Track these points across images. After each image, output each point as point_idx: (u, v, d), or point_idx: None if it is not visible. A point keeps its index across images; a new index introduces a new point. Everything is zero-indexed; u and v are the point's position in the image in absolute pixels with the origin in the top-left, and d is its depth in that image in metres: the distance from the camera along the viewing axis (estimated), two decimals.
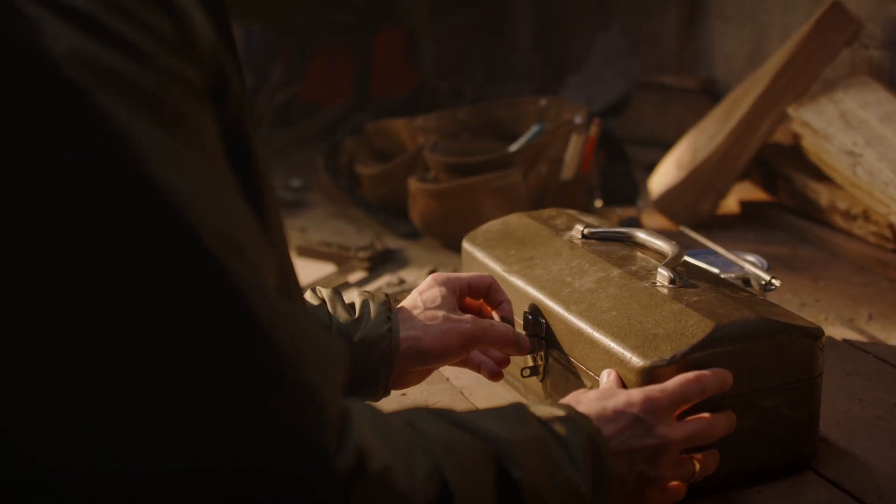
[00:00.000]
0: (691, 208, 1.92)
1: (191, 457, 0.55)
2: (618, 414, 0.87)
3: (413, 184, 1.82)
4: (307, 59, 2.99)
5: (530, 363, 1.19)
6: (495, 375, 1.12)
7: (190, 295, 0.55)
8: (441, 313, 1.05)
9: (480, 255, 1.28)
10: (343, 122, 2.68)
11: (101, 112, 0.52)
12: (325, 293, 1.07)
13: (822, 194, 1.81)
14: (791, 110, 1.82)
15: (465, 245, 1.33)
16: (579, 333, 1.05)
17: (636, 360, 0.96)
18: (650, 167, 2.15)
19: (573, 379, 1.10)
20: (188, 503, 0.56)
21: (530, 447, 0.75)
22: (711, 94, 2.51)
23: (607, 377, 0.98)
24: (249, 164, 0.64)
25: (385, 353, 1.01)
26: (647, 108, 2.63)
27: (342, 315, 1.03)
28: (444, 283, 1.08)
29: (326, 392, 0.60)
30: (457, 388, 1.32)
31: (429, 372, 1.10)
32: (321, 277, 1.72)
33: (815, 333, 1.01)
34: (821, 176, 1.82)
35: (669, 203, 1.94)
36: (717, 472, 0.95)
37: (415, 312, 1.05)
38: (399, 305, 1.07)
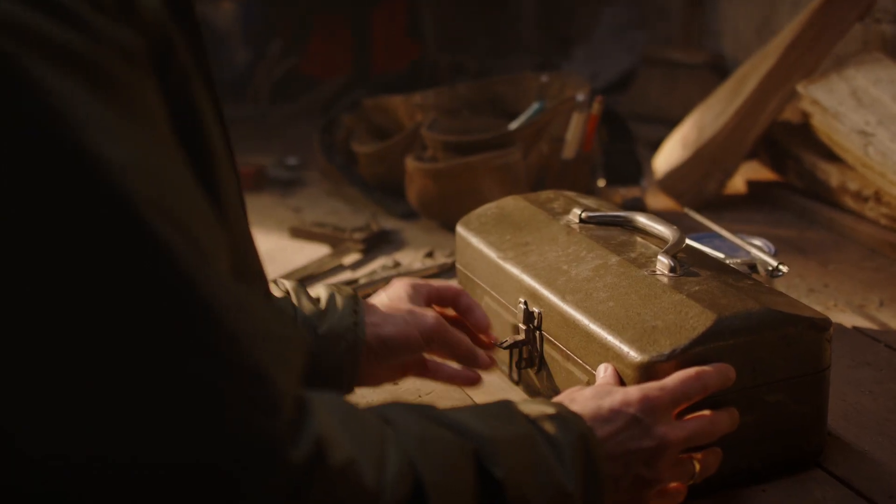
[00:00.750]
0: (697, 188, 1.87)
1: (128, 445, 0.52)
2: (613, 414, 0.83)
3: (410, 163, 1.78)
4: (306, 32, 2.94)
5: (525, 355, 1.16)
6: (473, 382, 1.10)
7: (122, 268, 0.52)
8: (405, 306, 1.05)
9: (474, 241, 1.24)
10: (342, 97, 2.63)
11: (29, 77, 0.50)
12: (288, 285, 1.05)
13: (833, 175, 1.77)
14: (801, 87, 1.78)
15: (459, 229, 1.29)
16: (575, 325, 1.01)
17: (634, 355, 0.92)
18: (655, 145, 2.10)
19: (569, 372, 1.06)
20: (128, 494, 0.52)
21: (515, 445, 0.73)
22: (719, 70, 2.46)
23: (604, 372, 0.95)
24: (200, 137, 0.61)
25: (351, 345, 0.99)
26: (653, 84, 2.58)
27: (307, 306, 1.01)
28: (411, 287, 1.08)
29: (279, 379, 0.57)
30: None
31: (397, 370, 1.07)
32: (315, 259, 1.68)
33: (823, 325, 0.97)
34: (831, 156, 1.78)
35: (674, 183, 1.90)
36: (718, 470, 0.91)
37: (380, 306, 1.04)
38: (364, 301, 1.05)
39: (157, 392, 0.53)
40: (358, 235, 1.72)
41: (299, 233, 1.79)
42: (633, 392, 0.85)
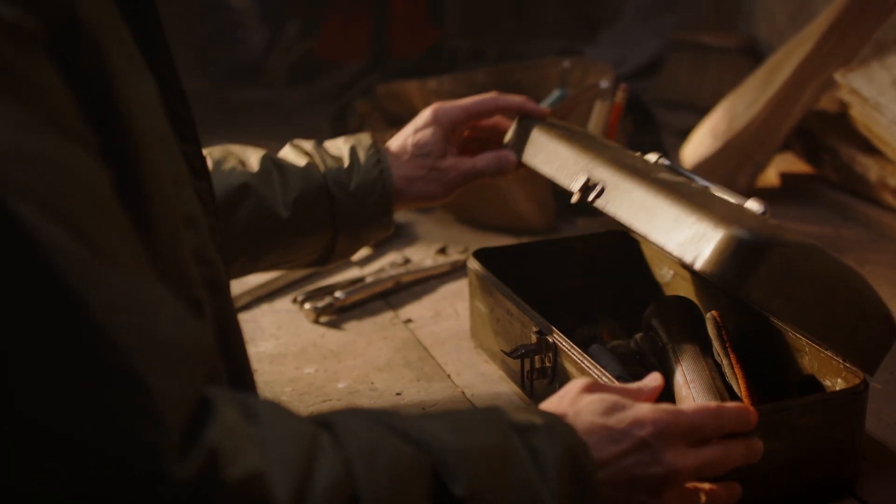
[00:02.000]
0: (727, 181, 1.78)
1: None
2: (621, 434, 0.76)
3: None
4: (323, 13, 2.86)
5: (538, 365, 1.08)
6: (502, 172, 1.19)
7: None
8: (428, 162, 1.13)
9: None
10: (358, 82, 2.56)
11: None
12: (307, 147, 1.12)
13: (871, 169, 1.70)
14: (838, 76, 1.69)
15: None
16: (653, 203, 0.96)
17: (725, 229, 0.86)
18: (683, 133, 2.02)
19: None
20: None
21: (485, 458, 0.68)
22: (752, 54, 2.36)
23: (654, 382, 0.86)
24: (117, 122, 0.58)
25: (381, 195, 1.10)
26: (682, 69, 2.48)
27: (332, 166, 1.10)
28: (439, 121, 1.14)
29: (164, 387, 0.54)
30: (458, 387, 1.20)
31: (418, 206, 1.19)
32: None
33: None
34: (870, 148, 1.71)
35: (703, 175, 1.80)
36: (742, 501, 0.85)
37: (402, 158, 1.13)
38: (386, 144, 1.14)
39: (29, 395, 0.49)
40: None
41: None
42: (647, 412, 0.78)
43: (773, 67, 1.83)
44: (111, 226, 0.55)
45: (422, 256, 1.56)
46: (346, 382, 1.23)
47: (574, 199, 1.06)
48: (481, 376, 1.22)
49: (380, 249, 1.62)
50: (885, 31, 1.82)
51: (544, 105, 1.67)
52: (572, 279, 1.34)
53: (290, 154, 1.14)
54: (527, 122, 1.20)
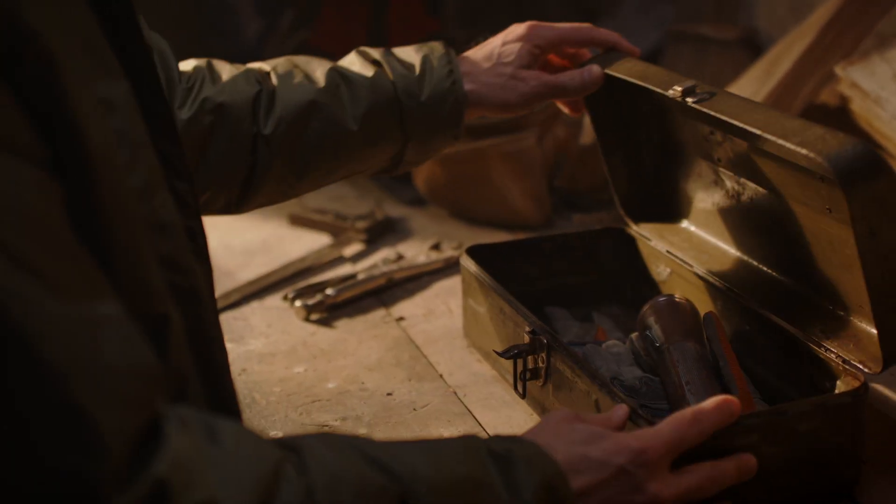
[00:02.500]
0: None
1: None
2: (600, 464, 0.75)
3: None
4: (318, 3, 2.83)
5: (531, 366, 1.06)
6: (575, 112, 1.20)
7: None
8: (509, 70, 1.11)
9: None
10: None
11: None
12: (375, 54, 1.10)
13: None
14: (839, 69, 1.65)
15: None
16: (769, 113, 0.95)
17: (851, 138, 0.87)
18: None
19: (576, 386, 0.96)
20: None
21: (457, 489, 0.67)
22: (752, 47, 2.32)
23: (618, 413, 0.85)
24: (69, 135, 0.56)
25: (453, 104, 1.08)
26: (682, 62, 2.44)
27: (403, 74, 1.08)
28: (531, 38, 1.13)
29: (105, 417, 0.52)
30: (450, 387, 1.18)
31: (493, 115, 1.18)
32: (314, 250, 1.57)
33: None
34: (871, 144, 1.64)
35: None
36: None
37: (484, 66, 1.11)
38: (465, 54, 1.13)
39: None
40: (360, 224, 1.61)
41: (299, 220, 1.69)
42: (626, 440, 0.77)
43: (773, 60, 1.80)
44: (54, 246, 0.53)
45: (415, 252, 1.53)
46: (336, 382, 1.20)
47: (673, 94, 1.03)
48: (474, 376, 1.20)
49: (373, 245, 1.60)
50: (887, 24, 1.79)
51: None
52: (568, 276, 1.32)
53: (355, 63, 1.11)
54: (615, 53, 1.17)
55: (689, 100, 1.01)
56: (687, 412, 0.81)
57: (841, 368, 0.96)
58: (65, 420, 0.51)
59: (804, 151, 0.88)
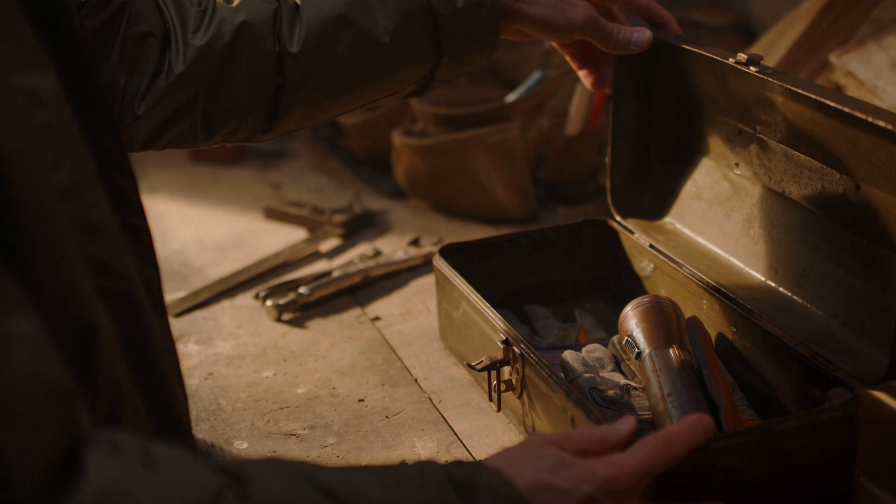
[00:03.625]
0: None
1: None
2: (566, 493, 0.70)
3: (397, 138, 1.61)
4: None
5: (505, 377, 1.01)
6: (597, 86, 1.16)
7: None
8: None
9: None
10: None
11: None
12: None
13: None
14: (833, 57, 1.59)
15: None
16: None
17: None
18: None
19: (553, 397, 0.92)
20: None
21: None
22: (745, 33, 2.27)
23: (624, 426, 0.81)
24: None
25: (490, 12, 1.02)
26: None
27: None
28: None
29: (13, 442, 0.48)
30: (425, 392, 1.13)
31: (528, 37, 1.10)
32: (289, 246, 1.51)
33: None
34: None
35: None
36: None
37: None
38: None
39: None
40: (338, 218, 1.56)
41: (274, 214, 1.63)
42: (593, 467, 0.73)
43: (765, 47, 1.74)
44: None
45: (393, 248, 1.48)
46: (307, 387, 1.15)
47: (735, 60, 1.00)
48: (450, 381, 1.14)
49: (350, 240, 1.54)
50: (883, 10, 1.73)
51: (524, 88, 1.60)
52: (548, 272, 1.27)
53: None
54: (663, 30, 1.14)
55: (754, 69, 0.96)
56: (658, 437, 0.76)
57: (831, 377, 0.91)
58: None
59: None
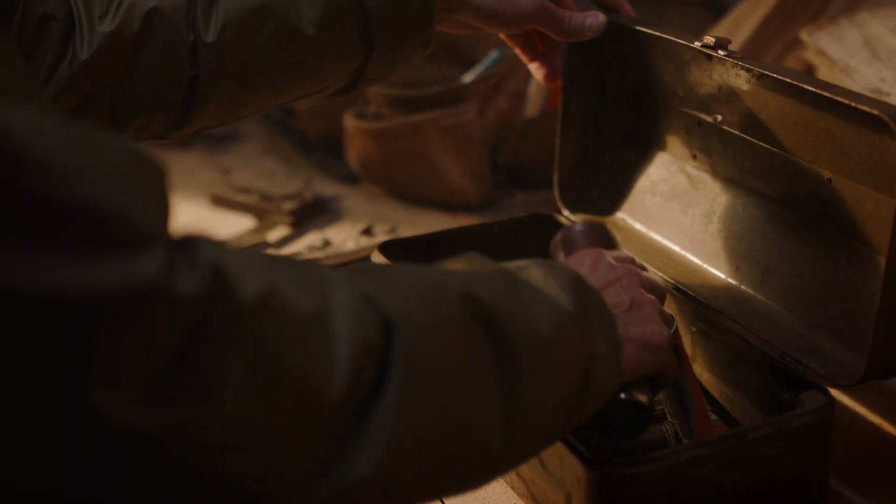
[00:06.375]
0: None
1: None
2: (612, 269, 0.83)
3: (349, 121, 1.53)
4: None
5: None
6: (549, 79, 1.09)
7: None
8: None
9: None
10: None
11: None
12: None
13: None
14: (804, 35, 1.53)
15: None
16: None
17: None
18: None
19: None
20: None
21: (500, 280, 0.66)
22: (714, 7, 2.21)
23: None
24: None
25: (423, 4, 0.95)
26: None
27: None
28: None
29: (134, 208, 0.47)
30: None
31: (475, 30, 1.03)
32: (235, 235, 1.44)
33: None
34: None
35: None
36: None
37: None
38: None
39: None
40: (287, 206, 1.48)
41: (221, 201, 1.56)
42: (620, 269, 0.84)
43: (733, 23, 1.68)
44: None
45: (344, 237, 1.41)
46: None
47: (701, 44, 0.94)
48: None
49: (300, 228, 1.47)
50: None
51: (481, 68, 1.53)
52: None
53: None
54: (615, 13, 1.07)
55: (722, 52, 0.90)
56: None
57: (801, 380, 0.86)
58: (86, 220, 0.45)
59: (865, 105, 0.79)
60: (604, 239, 0.98)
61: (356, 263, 0.64)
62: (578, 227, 1.00)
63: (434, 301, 0.60)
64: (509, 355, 0.63)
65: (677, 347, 0.90)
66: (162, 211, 0.50)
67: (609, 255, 0.86)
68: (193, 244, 0.50)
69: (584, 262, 0.84)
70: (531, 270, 0.70)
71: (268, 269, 0.53)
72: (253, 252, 0.55)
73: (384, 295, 0.58)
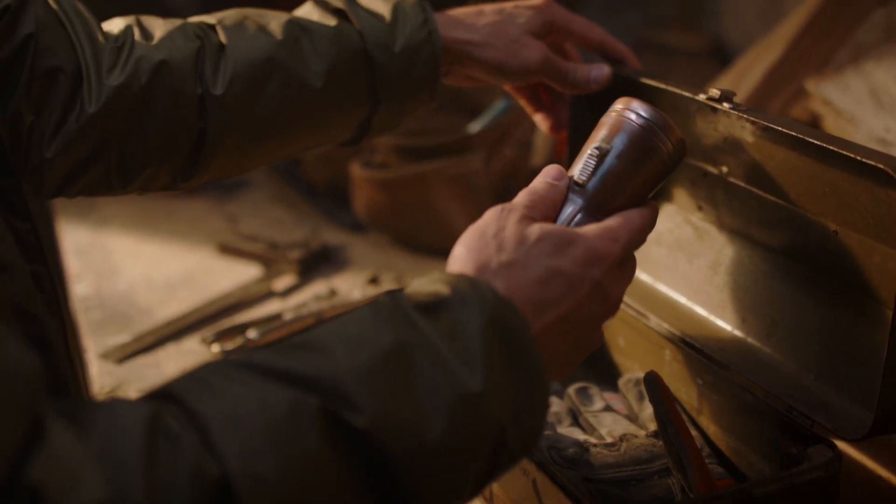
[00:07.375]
0: None
1: None
2: (577, 279, 0.70)
3: (356, 170, 1.54)
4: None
5: None
6: (554, 130, 1.08)
7: None
8: (515, 32, 0.99)
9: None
10: None
11: None
12: (336, 2, 0.98)
13: None
14: (810, 84, 1.53)
15: None
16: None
17: None
18: None
19: None
20: None
21: (384, 368, 0.59)
22: (719, 57, 2.22)
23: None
24: None
25: (430, 58, 0.96)
26: (646, 72, 2.33)
27: (371, 23, 0.96)
28: (546, 11, 1.01)
29: None
30: None
31: (480, 83, 1.03)
32: (241, 285, 1.44)
33: None
34: None
35: None
36: None
37: (479, 22, 0.99)
38: (467, 8, 1.01)
39: None
40: (294, 254, 1.48)
41: (228, 249, 1.56)
42: (596, 243, 0.72)
43: (740, 73, 1.68)
44: None
45: (350, 286, 1.41)
46: None
47: (707, 96, 0.92)
48: None
49: (306, 277, 1.47)
50: (862, 35, 1.68)
51: (487, 117, 1.53)
52: None
53: (313, 13, 0.97)
54: (620, 65, 1.06)
55: (727, 105, 0.89)
56: (635, 218, 0.76)
57: (810, 434, 0.84)
58: None
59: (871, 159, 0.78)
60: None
61: (205, 366, 0.58)
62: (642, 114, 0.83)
63: (287, 437, 0.54)
64: (391, 477, 0.57)
65: (670, 399, 0.89)
66: (20, 421, 0.48)
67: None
68: (21, 462, 0.48)
69: (533, 271, 0.71)
70: (440, 324, 0.62)
71: (97, 467, 0.50)
72: (88, 432, 0.51)
73: (225, 439, 0.53)
